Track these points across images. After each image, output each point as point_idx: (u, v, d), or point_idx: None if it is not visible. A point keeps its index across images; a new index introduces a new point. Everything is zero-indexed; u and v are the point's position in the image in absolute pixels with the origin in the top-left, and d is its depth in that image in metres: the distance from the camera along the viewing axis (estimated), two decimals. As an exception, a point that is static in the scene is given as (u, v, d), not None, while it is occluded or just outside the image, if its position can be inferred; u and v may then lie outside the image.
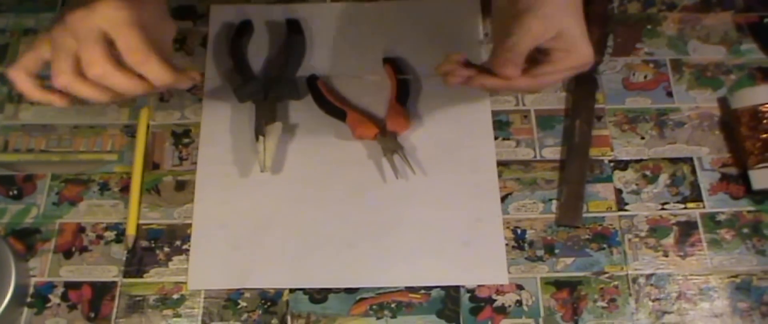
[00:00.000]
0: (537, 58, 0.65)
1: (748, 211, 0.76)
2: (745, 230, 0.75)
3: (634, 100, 0.82)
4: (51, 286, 0.73)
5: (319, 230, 0.75)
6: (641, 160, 0.79)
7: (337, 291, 0.73)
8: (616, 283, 0.73)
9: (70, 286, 0.73)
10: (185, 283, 0.73)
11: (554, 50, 0.64)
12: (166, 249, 0.74)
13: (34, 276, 0.73)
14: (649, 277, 0.73)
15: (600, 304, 0.72)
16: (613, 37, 0.85)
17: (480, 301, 0.72)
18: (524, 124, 0.80)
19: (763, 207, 0.76)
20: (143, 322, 0.71)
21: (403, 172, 0.77)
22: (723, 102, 0.81)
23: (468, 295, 0.72)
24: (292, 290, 0.73)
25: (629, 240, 0.75)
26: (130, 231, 0.75)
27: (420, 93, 0.82)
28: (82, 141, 0.80)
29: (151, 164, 0.79)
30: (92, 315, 0.71)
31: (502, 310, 0.71)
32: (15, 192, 0.77)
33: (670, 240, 0.75)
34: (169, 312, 0.72)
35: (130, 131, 0.80)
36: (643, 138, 0.80)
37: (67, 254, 0.74)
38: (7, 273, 0.70)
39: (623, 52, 0.85)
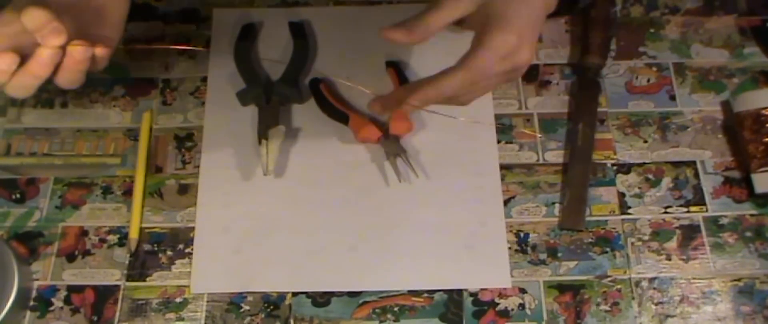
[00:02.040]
0: None
1: (751, 215, 0.76)
2: (748, 234, 0.75)
3: (637, 103, 0.82)
4: (54, 290, 0.73)
5: (322, 234, 0.75)
6: (644, 164, 0.79)
7: (339, 294, 0.73)
8: (619, 286, 0.73)
9: (72, 289, 0.73)
10: (188, 286, 0.73)
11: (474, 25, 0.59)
12: (169, 252, 0.74)
13: (36, 279, 0.73)
14: (652, 280, 0.73)
15: (603, 307, 0.72)
16: (615, 40, 0.85)
17: (483, 305, 0.72)
18: (527, 127, 0.80)
19: (766, 210, 0.76)
20: (146, 325, 0.71)
21: (405, 175, 0.77)
22: (726, 105, 0.81)
23: (471, 298, 0.72)
24: (294, 294, 0.73)
25: (632, 243, 0.75)
26: (133, 234, 0.75)
27: (423, 96, 0.82)
28: (85, 144, 0.80)
29: (154, 168, 0.79)
30: (95, 318, 0.71)
31: (505, 314, 0.71)
32: (18, 195, 0.77)
33: (673, 243, 0.75)
34: (171, 315, 0.71)
35: (133, 135, 0.80)
36: (646, 141, 0.80)
37: (70, 258, 0.74)
38: (10, 276, 0.70)
39: (626, 55, 0.85)
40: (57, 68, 0.62)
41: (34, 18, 0.59)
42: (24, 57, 0.61)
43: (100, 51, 0.63)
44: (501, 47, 0.59)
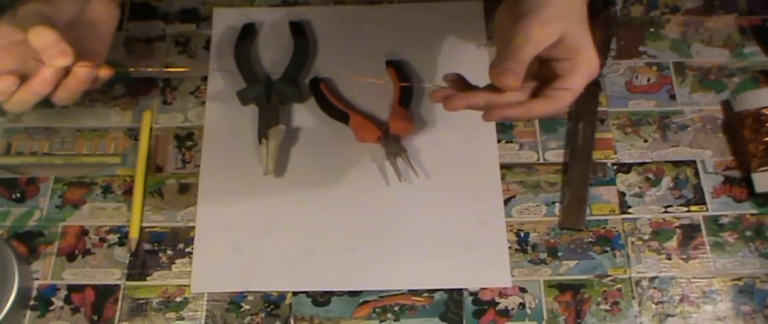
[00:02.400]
0: (542, 74, 0.61)
1: (752, 214, 0.76)
2: (749, 233, 0.75)
3: (637, 102, 0.82)
4: (54, 289, 0.73)
5: (322, 233, 0.75)
6: (644, 163, 0.79)
7: (340, 294, 0.73)
8: (619, 286, 0.73)
9: (73, 289, 0.73)
10: (188, 286, 0.73)
11: (560, 62, 0.59)
12: (169, 252, 0.74)
13: (37, 279, 0.73)
14: (652, 280, 0.73)
15: (603, 307, 0.72)
16: (616, 40, 0.85)
17: (483, 304, 0.72)
18: (527, 126, 0.80)
19: (766, 210, 0.76)
20: (146, 324, 0.71)
21: (406, 175, 0.77)
22: (726, 105, 0.81)
23: (471, 298, 0.72)
24: (295, 293, 0.73)
25: (632, 243, 0.75)
26: (133, 234, 0.75)
27: (423, 96, 0.82)
28: (85, 144, 0.80)
29: (154, 167, 0.79)
30: (95, 318, 0.71)
31: (505, 313, 0.71)
32: (18, 195, 0.77)
33: (673, 243, 0.75)
34: (172, 315, 0.71)
35: (133, 134, 0.80)
36: (646, 141, 0.80)
37: (70, 257, 0.74)
38: (10, 276, 0.70)
39: (626, 55, 0.85)
40: (56, 85, 0.62)
41: (42, 37, 0.58)
42: (21, 72, 0.61)
43: (104, 72, 0.64)
44: (594, 71, 0.59)
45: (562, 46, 0.59)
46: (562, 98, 0.59)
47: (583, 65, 0.58)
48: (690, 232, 0.75)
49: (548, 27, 0.58)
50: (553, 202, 0.77)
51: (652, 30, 0.86)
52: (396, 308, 0.72)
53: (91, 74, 0.62)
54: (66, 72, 0.61)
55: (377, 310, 0.72)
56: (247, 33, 0.84)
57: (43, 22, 0.59)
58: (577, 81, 0.59)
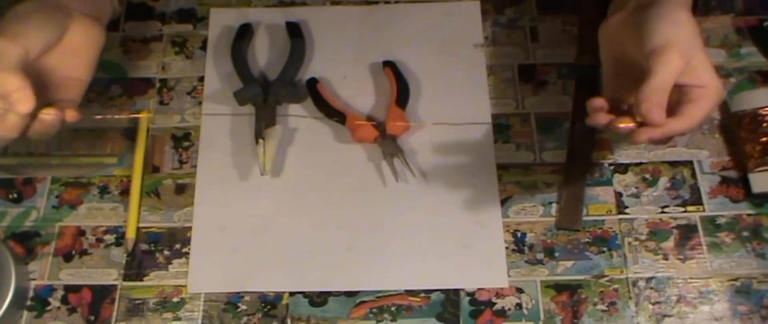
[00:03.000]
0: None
1: (748, 215, 0.76)
2: (745, 233, 0.75)
3: (634, 103, 0.82)
4: (51, 290, 0.73)
5: (319, 233, 0.75)
6: (641, 164, 0.79)
7: (336, 294, 0.72)
8: (616, 286, 0.73)
9: (69, 289, 0.73)
10: (185, 286, 0.73)
11: (691, 88, 0.60)
12: (166, 252, 0.74)
13: (34, 279, 0.73)
14: (649, 280, 0.73)
15: (600, 307, 0.72)
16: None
17: (480, 305, 0.72)
18: (524, 127, 0.80)
19: (763, 210, 0.76)
20: (143, 325, 0.71)
21: (403, 175, 0.77)
22: (723, 105, 0.81)
23: (468, 298, 0.72)
24: (292, 293, 0.73)
25: (629, 243, 0.75)
26: (130, 234, 0.75)
27: (420, 96, 0.82)
28: (82, 144, 0.80)
29: (151, 167, 0.79)
30: (92, 318, 0.71)
31: (502, 314, 0.71)
32: (15, 195, 0.77)
33: (670, 243, 0.75)
34: (169, 315, 0.71)
35: (130, 134, 0.80)
36: (642, 141, 0.80)
37: (67, 257, 0.74)
38: (7, 276, 0.70)
39: (623, 55, 0.85)
40: (24, 128, 0.61)
41: (2, 84, 0.58)
42: None
43: (71, 114, 0.63)
44: (721, 95, 0.62)
45: (693, 74, 0.60)
46: (696, 120, 0.60)
47: (713, 92, 0.61)
48: (687, 232, 0.75)
49: (692, 59, 0.60)
50: (550, 203, 0.77)
51: (649, 30, 0.86)
52: (393, 308, 0.72)
53: (58, 118, 0.62)
54: (33, 115, 0.61)
55: (374, 310, 0.72)
56: (244, 33, 0.84)
57: (4, 65, 0.58)
58: (711, 106, 0.61)
